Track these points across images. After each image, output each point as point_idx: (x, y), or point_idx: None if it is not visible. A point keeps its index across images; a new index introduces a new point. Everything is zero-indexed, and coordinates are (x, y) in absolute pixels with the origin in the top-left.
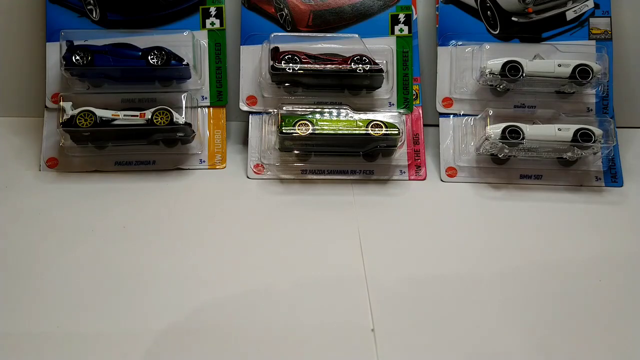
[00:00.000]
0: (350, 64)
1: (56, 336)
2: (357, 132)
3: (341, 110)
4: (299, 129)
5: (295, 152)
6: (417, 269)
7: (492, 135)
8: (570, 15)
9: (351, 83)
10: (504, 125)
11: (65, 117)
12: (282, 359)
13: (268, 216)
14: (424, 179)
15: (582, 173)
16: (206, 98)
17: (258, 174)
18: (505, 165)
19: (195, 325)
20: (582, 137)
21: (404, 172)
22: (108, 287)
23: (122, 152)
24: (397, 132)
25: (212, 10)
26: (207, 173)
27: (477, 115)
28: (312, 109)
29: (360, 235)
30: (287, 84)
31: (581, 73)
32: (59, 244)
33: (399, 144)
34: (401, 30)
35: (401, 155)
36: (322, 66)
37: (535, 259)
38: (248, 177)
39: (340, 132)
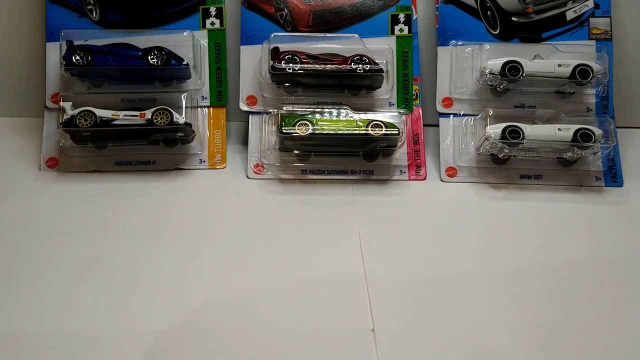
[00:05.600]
0: (350, 64)
1: (56, 336)
2: (357, 132)
3: (341, 110)
4: (299, 129)
5: (295, 152)
6: (416, 269)
7: (492, 135)
8: (570, 15)
9: (351, 83)
10: (504, 125)
11: (65, 117)
12: (282, 359)
13: (268, 216)
14: (424, 179)
15: (582, 173)
16: (206, 98)
17: (258, 174)
18: (505, 165)
19: (195, 325)
20: (582, 137)
21: (404, 172)
22: (108, 287)
23: (122, 152)
24: (397, 132)
25: (212, 10)
26: (207, 173)
27: (477, 115)
28: (312, 109)
29: (360, 235)
30: (287, 84)
31: (581, 73)
32: (59, 244)
33: (399, 144)
34: (401, 30)
35: (401, 155)
36: (322, 66)
37: (535, 259)
38: (248, 177)
39: (340, 132)
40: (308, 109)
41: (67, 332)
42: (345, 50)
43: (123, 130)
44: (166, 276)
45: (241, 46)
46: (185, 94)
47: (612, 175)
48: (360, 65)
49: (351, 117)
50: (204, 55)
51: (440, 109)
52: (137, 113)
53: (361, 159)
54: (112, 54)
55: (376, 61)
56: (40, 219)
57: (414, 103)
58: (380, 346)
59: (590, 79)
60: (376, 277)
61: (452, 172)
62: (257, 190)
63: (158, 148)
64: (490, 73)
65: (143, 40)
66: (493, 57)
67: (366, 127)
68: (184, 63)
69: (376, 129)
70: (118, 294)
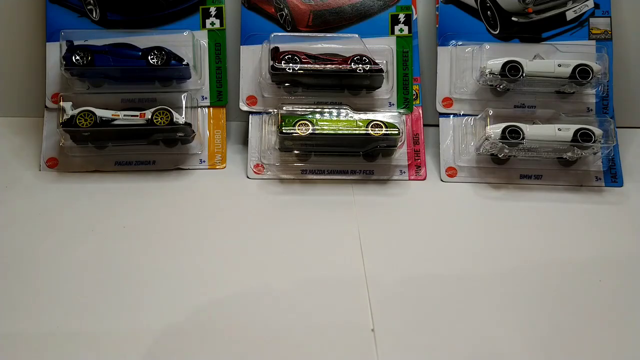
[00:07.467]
0: (350, 64)
1: (56, 336)
2: (357, 132)
3: (341, 110)
4: (299, 129)
5: (295, 152)
6: (417, 269)
7: (492, 135)
8: (570, 15)
9: (351, 83)
10: (504, 125)
11: (65, 117)
12: (282, 359)
13: (268, 216)
14: (424, 179)
15: (582, 173)
16: (206, 98)
17: (258, 174)
18: (505, 165)
19: (195, 325)
20: (582, 137)
21: (404, 172)
22: (108, 287)
23: (122, 152)
24: (397, 132)
25: (212, 10)
26: (207, 173)
27: (477, 115)
28: (312, 109)
29: (360, 235)
30: (287, 84)
31: (581, 73)
32: (59, 244)
33: (399, 144)
34: (401, 30)
35: (401, 155)
36: (322, 66)
37: (535, 259)
38: (248, 177)
39: (340, 132)
40: (308, 109)
41: (67, 332)
42: (345, 50)
43: (123, 130)
44: (166, 276)
45: (241, 46)
46: (185, 94)
47: (612, 175)
48: (360, 65)
49: (351, 117)
50: (204, 55)
51: (440, 109)
52: (137, 113)
53: (361, 159)
54: (112, 54)
55: (376, 61)
56: (40, 219)
57: (414, 103)
58: (380, 346)
59: (590, 79)
60: (376, 277)
61: (452, 172)
62: (257, 190)
63: (158, 148)
64: (490, 73)
65: (143, 40)
66: (493, 57)
67: (366, 127)
68: (184, 63)
69: (376, 129)
70: (118, 293)
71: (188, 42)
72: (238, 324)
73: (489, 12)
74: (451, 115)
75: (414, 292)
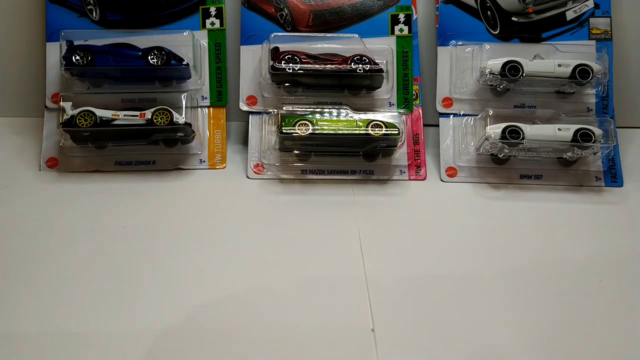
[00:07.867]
0: (350, 64)
1: (56, 336)
2: (357, 132)
3: (341, 110)
4: (299, 129)
5: (295, 152)
6: (417, 269)
7: (492, 135)
8: (570, 15)
9: (351, 83)
10: (504, 125)
11: (65, 117)
12: (282, 359)
13: (268, 216)
14: (424, 179)
15: (582, 173)
16: (206, 98)
17: (258, 174)
18: (505, 165)
19: (195, 325)
20: (582, 137)
21: (404, 172)
22: (108, 287)
23: (122, 152)
24: (397, 132)
25: (212, 10)
26: (207, 173)
27: (477, 115)
28: (312, 109)
29: (360, 235)
30: (287, 84)
31: (581, 73)
32: (59, 244)
33: (399, 144)
34: (401, 30)
35: (401, 155)
36: (322, 66)
37: (535, 259)
38: (248, 177)
39: (340, 132)
40: (308, 109)
41: (67, 332)
42: (345, 50)
43: (123, 130)
44: (166, 276)
45: (241, 46)
46: (185, 94)
47: (612, 175)
48: (360, 65)
49: (351, 117)
50: (204, 55)
51: (440, 109)
52: (137, 113)
53: (361, 159)
54: (112, 54)
55: (376, 61)
56: (40, 219)
57: (414, 103)
58: (380, 346)
59: (590, 79)
60: (376, 277)
61: (452, 172)
62: (257, 190)
63: (158, 148)
64: (490, 73)
65: (143, 40)
66: (493, 57)
67: (366, 127)
68: (184, 63)
69: (376, 129)
70: (118, 293)
71: (188, 42)
72: (238, 324)
73: (489, 12)
74: (451, 115)
75: (414, 292)
